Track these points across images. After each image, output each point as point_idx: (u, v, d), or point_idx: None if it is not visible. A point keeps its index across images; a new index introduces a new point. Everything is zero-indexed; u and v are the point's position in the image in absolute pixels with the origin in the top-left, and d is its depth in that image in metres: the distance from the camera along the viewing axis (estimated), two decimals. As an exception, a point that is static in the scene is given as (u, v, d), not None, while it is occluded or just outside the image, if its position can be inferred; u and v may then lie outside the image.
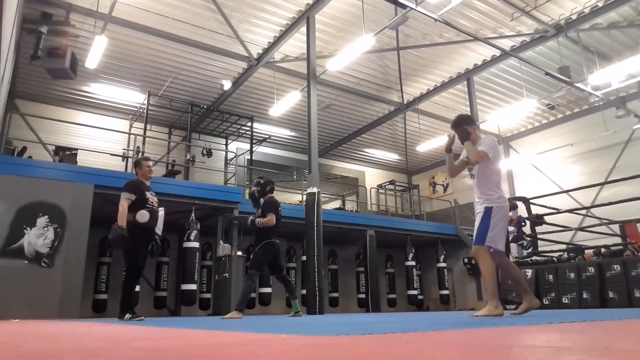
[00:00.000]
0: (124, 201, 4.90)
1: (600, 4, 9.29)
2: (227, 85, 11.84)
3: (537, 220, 8.63)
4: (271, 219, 5.42)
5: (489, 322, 2.91)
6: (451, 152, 4.09)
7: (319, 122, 11.55)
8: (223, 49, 10.64)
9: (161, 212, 5.13)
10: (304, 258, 9.71)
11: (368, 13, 9.16)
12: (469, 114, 3.98)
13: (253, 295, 9.96)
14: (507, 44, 10.68)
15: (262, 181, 5.79)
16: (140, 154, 10.14)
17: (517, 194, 13.61)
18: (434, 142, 13.57)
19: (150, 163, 5.37)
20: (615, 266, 6.91)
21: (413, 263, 13.32)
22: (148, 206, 5.02)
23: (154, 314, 9.93)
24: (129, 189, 5.00)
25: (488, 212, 3.80)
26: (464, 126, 4.03)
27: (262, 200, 5.69)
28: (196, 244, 8.94)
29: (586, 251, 8.20)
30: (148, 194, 5.11)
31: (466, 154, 4.01)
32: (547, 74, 10.10)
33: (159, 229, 5.06)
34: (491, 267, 3.75)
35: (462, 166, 4.11)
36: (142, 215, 4.88)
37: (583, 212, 10.54)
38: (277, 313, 11.19)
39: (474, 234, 3.91)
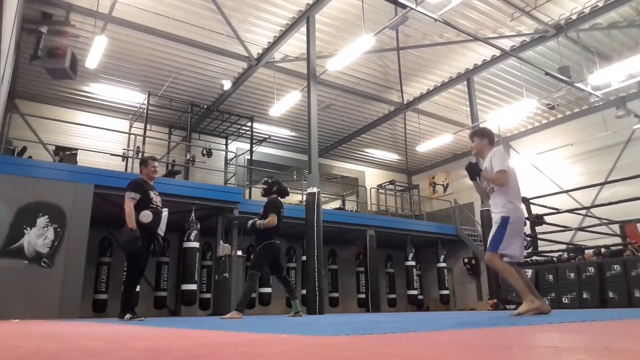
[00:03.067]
0: (129, 201, 4.85)
1: (600, 4, 9.29)
2: (227, 85, 11.84)
3: (537, 220, 8.63)
4: (272, 219, 5.40)
5: (489, 322, 2.91)
6: (476, 180, 4.11)
7: (319, 122, 11.55)
8: (223, 49, 10.63)
9: (165, 212, 5.10)
10: (304, 258, 9.72)
11: (368, 13, 9.16)
12: (489, 129, 4.07)
13: (253, 295, 9.96)
14: (507, 44, 10.68)
15: (270, 180, 5.76)
16: (140, 154, 10.14)
17: (517, 194, 13.57)
18: (434, 142, 13.57)
19: (157, 163, 5.34)
20: (615, 266, 6.92)
21: (413, 263, 13.32)
22: (152, 206, 4.99)
23: (154, 314, 9.94)
24: (133, 188, 4.96)
25: (505, 221, 3.81)
26: (476, 137, 4.15)
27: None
28: (196, 244, 8.95)
29: (586, 251, 8.20)
30: (152, 194, 5.08)
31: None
32: (547, 74, 10.10)
33: (161, 229, 5.02)
34: (508, 269, 3.79)
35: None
36: (145, 216, 4.84)
37: (583, 212, 10.53)
38: (277, 313, 11.19)
39: (488, 240, 3.95)
